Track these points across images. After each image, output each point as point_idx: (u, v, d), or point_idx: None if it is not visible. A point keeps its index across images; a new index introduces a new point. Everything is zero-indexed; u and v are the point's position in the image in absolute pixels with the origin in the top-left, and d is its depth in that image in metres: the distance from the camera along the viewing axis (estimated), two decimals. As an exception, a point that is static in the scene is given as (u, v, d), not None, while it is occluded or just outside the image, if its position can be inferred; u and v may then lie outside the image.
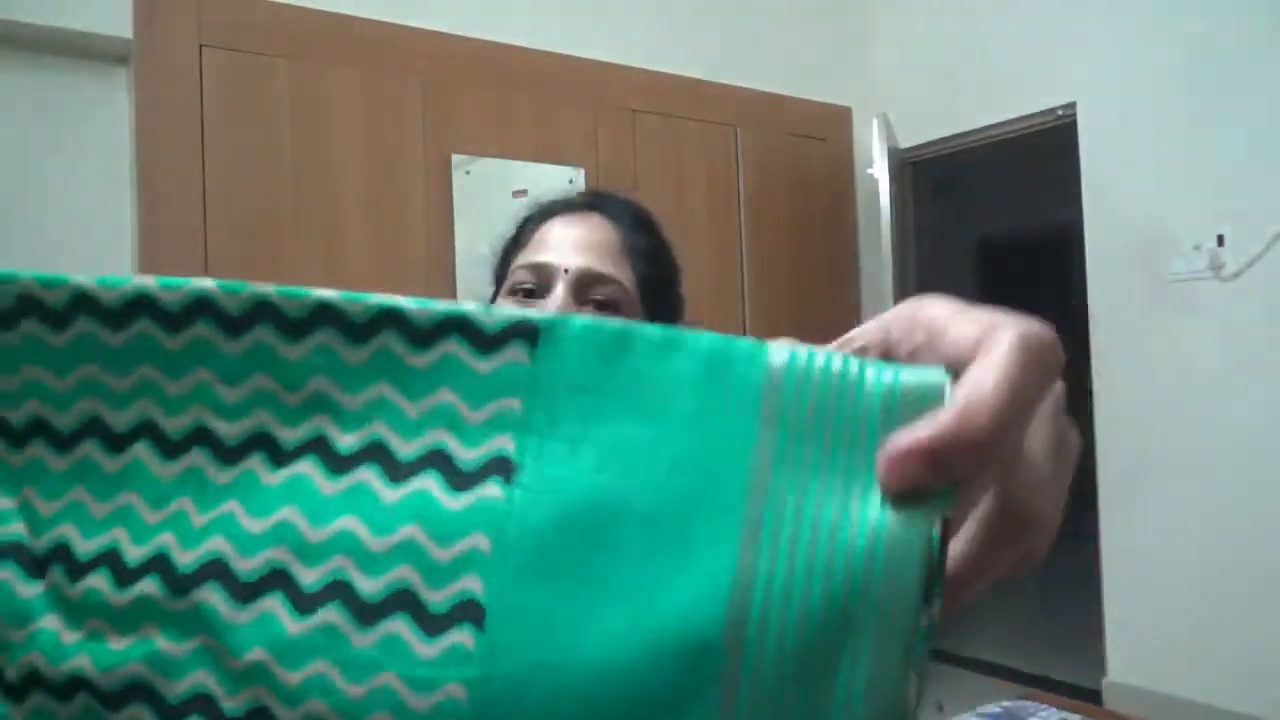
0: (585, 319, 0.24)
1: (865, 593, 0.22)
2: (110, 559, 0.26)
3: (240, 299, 0.26)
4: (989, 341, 0.22)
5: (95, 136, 2.23)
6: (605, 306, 0.71)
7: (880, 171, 3.12)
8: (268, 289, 0.25)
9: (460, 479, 0.24)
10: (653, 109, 3.05)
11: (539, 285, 0.71)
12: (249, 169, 2.30)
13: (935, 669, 3.35)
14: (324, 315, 0.25)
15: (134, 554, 0.25)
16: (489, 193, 2.63)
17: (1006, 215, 5.51)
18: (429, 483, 0.24)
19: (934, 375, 0.23)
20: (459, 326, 0.25)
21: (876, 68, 3.68)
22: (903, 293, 3.29)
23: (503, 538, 0.23)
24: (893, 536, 0.22)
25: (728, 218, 3.22)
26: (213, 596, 0.24)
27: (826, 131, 3.54)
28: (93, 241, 2.23)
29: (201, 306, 0.26)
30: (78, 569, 0.26)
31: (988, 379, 0.21)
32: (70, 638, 0.25)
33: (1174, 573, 2.76)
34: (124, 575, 0.25)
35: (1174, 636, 2.74)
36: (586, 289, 0.70)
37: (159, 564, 0.25)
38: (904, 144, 3.50)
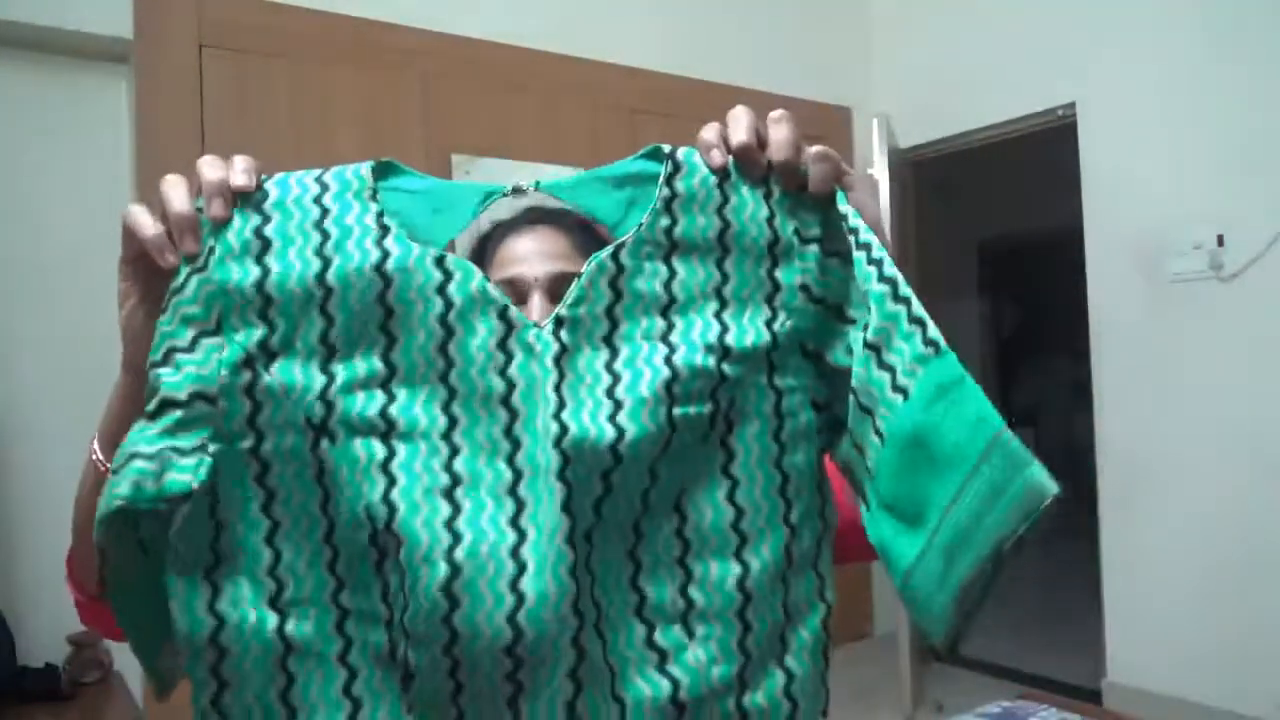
0: None
1: None
2: None
3: None
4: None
5: (95, 136, 2.23)
6: None
7: (880, 171, 3.12)
8: None
9: None
10: (653, 109, 3.04)
11: (516, 296, 0.79)
12: (249, 169, 2.30)
13: (935, 669, 3.35)
14: None
15: None
16: (489, 193, 2.63)
17: (1006, 215, 5.50)
18: None
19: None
20: None
21: (876, 68, 3.68)
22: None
23: None
24: None
25: (728, 218, 3.21)
26: None
27: (826, 131, 3.54)
28: (93, 241, 2.23)
29: None
30: None
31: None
32: None
33: (1174, 573, 2.76)
34: None
35: (1174, 636, 2.74)
36: (557, 290, 0.78)
37: None
38: (904, 144, 3.50)
